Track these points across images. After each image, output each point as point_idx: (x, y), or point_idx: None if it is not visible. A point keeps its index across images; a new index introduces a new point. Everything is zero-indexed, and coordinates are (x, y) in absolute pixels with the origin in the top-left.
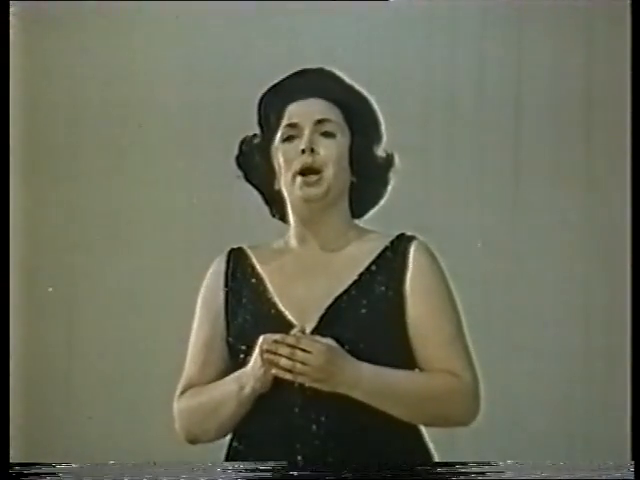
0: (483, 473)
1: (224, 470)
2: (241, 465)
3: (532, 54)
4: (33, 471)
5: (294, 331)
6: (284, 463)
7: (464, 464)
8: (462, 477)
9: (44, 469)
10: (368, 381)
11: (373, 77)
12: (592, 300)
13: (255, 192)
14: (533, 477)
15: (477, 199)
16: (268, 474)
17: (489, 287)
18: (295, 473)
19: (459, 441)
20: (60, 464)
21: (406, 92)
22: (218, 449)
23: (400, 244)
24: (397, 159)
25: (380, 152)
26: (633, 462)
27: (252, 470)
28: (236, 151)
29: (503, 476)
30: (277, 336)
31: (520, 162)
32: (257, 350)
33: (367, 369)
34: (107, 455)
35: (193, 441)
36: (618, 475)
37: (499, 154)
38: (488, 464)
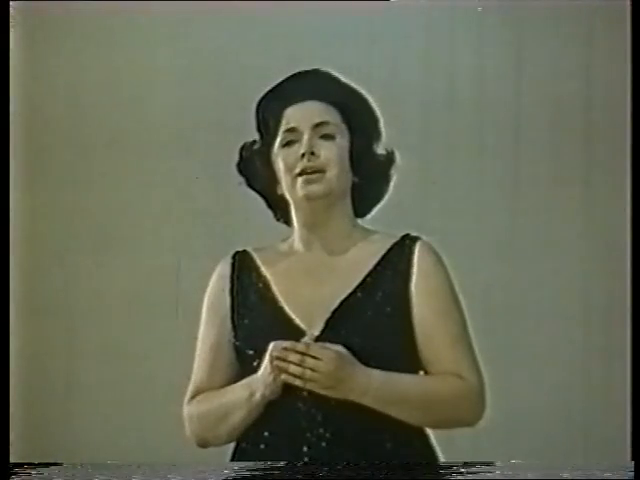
0: (490, 472)
1: (232, 471)
2: (247, 465)
3: (531, 54)
4: (33, 471)
5: (305, 339)
6: (290, 463)
7: (465, 464)
8: (460, 477)
9: (44, 469)
10: (377, 388)
11: (373, 78)
12: (592, 300)
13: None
14: (533, 477)
15: (477, 200)
16: (273, 472)
17: (488, 288)
18: (300, 474)
19: (457, 441)
20: (60, 464)
21: (406, 92)
22: (219, 450)
23: (405, 245)
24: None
25: (380, 150)
26: (633, 462)
27: (258, 470)
28: (237, 158)
29: (503, 476)
30: (287, 343)
31: (520, 162)
32: (267, 357)
33: (376, 376)
34: (107, 455)
35: (204, 445)
36: (618, 475)
37: (499, 154)
38: (488, 464)
